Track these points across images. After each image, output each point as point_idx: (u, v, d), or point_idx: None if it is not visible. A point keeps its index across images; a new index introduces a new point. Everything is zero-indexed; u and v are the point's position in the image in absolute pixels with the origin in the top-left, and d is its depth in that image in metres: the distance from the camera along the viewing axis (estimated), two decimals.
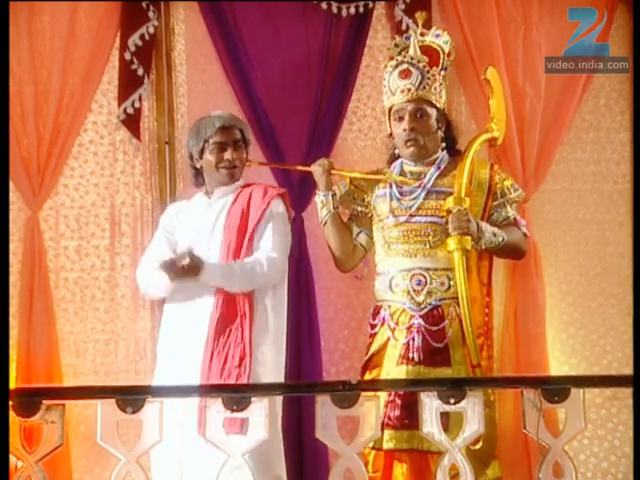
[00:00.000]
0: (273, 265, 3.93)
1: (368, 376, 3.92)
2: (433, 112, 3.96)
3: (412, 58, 3.96)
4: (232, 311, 3.88)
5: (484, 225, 3.89)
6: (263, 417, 2.78)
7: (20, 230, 4.62)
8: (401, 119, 3.95)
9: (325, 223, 4.08)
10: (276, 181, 4.61)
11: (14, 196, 4.56)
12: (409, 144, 3.94)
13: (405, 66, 3.96)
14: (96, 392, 3.01)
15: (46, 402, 2.77)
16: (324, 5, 4.70)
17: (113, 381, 4.62)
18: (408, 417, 3.66)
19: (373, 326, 4.01)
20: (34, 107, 4.60)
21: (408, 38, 4.10)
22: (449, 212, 3.84)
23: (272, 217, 4.01)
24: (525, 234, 4.06)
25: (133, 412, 2.77)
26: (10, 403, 2.73)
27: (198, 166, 4.11)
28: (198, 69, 4.79)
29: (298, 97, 4.71)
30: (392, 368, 3.84)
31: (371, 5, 4.72)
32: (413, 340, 3.83)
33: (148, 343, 4.64)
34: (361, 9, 4.71)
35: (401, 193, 3.98)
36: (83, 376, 4.64)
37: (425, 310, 3.87)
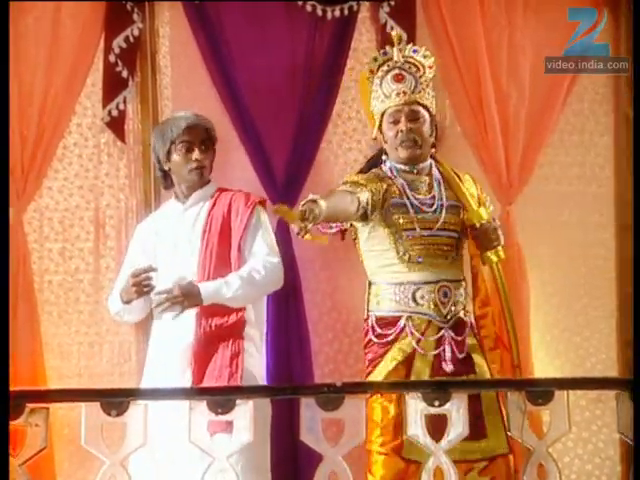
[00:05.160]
0: (273, 270, 3.92)
1: None
2: (427, 117, 3.97)
3: (403, 63, 3.97)
4: (220, 310, 3.86)
5: None
6: (248, 420, 2.78)
7: None
8: (396, 122, 3.93)
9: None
10: (260, 182, 4.60)
11: None
12: (406, 145, 3.93)
13: (397, 71, 3.96)
14: (80, 395, 3.01)
15: (30, 405, 2.75)
16: (309, 7, 4.69)
17: (97, 384, 4.59)
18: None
19: (383, 336, 3.92)
20: (18, 109, 4.55)
21: (385, 54, 4.07)
22: (474, 227, 3.94)
23: (260, 224, 4.01)
24: None
25: (117, 415, 2.76)
26: None
27: (166, 168, 4.10)
28: (183, 71, 4.77)
29: (283, 99, 4.69)
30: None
31: (355, 8, 4.72)
32: (444, 352, 3.86)
33: (133, 346, 4.62)
34: (346, 12, 4.70)
35: (420, 205, 3.97)
36: (67, 379, 4.61)
37: (451, 322, 3.90)
